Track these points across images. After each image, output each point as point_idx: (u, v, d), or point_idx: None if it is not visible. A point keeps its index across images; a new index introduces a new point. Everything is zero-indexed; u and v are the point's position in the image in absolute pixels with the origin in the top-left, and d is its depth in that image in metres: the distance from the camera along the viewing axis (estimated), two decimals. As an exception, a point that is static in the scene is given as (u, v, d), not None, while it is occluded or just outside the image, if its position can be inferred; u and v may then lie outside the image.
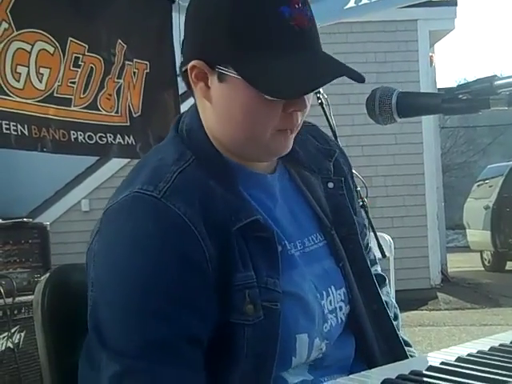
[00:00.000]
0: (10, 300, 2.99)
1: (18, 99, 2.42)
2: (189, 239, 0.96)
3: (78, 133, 2.62)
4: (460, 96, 1.03)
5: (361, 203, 3.08)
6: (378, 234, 3.13)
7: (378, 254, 3.09)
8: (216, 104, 1.04)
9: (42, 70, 2.48)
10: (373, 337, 1.20)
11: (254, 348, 1.00)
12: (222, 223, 0.99)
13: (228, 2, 1.00)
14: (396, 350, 1.21)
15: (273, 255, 1.03)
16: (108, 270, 1.00)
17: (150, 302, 0.95)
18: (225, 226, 0.99)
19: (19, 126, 2.41)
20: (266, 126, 1.03)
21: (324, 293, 1.13)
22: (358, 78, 1.02)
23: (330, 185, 1.22)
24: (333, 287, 1.15)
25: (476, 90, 1.01)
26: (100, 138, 2.71)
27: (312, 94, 1.05)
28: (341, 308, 1.15)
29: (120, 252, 0.98)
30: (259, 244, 1.02)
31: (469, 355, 0.99)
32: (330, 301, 1.14)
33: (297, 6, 0.98)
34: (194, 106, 1.12)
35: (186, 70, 1.06)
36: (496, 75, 1.00)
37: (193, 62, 1.03)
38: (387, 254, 3.35)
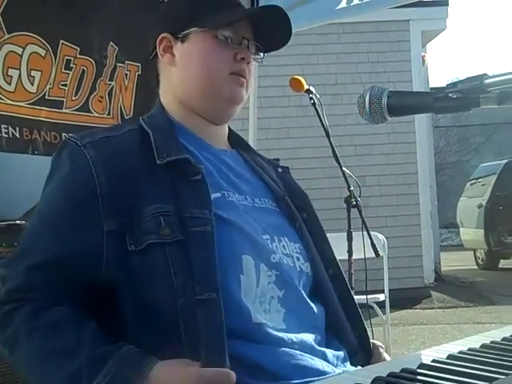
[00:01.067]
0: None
1: (10, 102, 2.41)
2: (84, 178, 1.13)
3: (70, 135, 2.62)
4: (450, 95, 1.03)
5: (354, 202, 3.09)
6: (371, 233, 3.14)
7: (372, 254, 3.10)
8: (180, 64, 1.28)
9: (33, 73, 2.48)
10: (337, 303, 1.26)
11: (184, 267, 1.07)
12: (139, 165, 1.15)
13: None
14: (352, 313, 1.29)
15: (203, 195, 1.14)
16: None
17: (43, 221, 1.15)
18: (146, 165, 1.15)
19: (10, 129, 2.40)
20: (220, 69, 1.26)
21: (275, 237, 1.21)
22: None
23: (280, 169, 1.41)
24: (286, 238, 1.23)
25: (466, 88, 1.01)
26: None
27: (253, 57, 1.31)
28: (298, 258, 1.23)
29: (48, 179, 1.21)
30: (190, 186, 1.14)
31: (460, 352, 0.99)
32: (284, 246, 1.21)
33: None
34: (157, 102, 1.33)
35: (152, 58, 1.32)
36: (486, 74, 1.00)
37: (161, 36, 1.29)
38: (381, 253, 3.36)
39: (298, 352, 1.11)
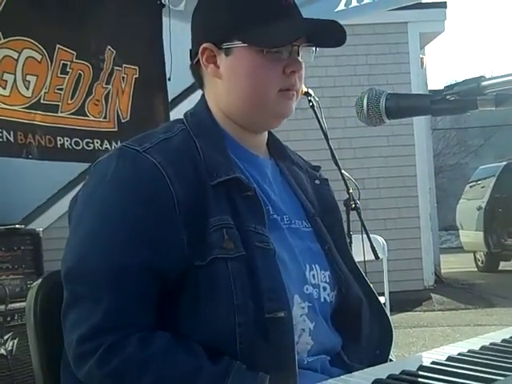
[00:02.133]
0: (2, 307, 2.98)
1: (4, 106, 2.41)
2: (158, 183, 1.07)
3: (65, 139, 2.61)
4: (448, 97, 1.03)
5: (353, 205, 3.09)
6: (370, 235, 3.13)
7: (372, 256, 3.10)
8: (225, 77, 1.21)
9: (28, 78, 2.48)
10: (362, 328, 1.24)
11: (244, 284, 1.06)
12: (200, 175, 1.11)
13: None
14: (383, 320, 1.28)
15: (259, 211, 1.13)
16: (85, 204, 1.13)
17: (113, 233, 1.06)
18: (204, 179, 1.11)
19: (5, 133, 2.40)
20: (269, 86, 1.18)
21: (307, 265, 1.19)
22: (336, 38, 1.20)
23: (317, 181, 1.35)
24: (317, 265, 1.21)
25: (464, 90, 1.01)
26: (87, 143, 2.70)
27: (304, 61, 1.21)
28: (325, 288, 1.20)
29: (99, 190, 1.11)
30: (245, 201, 1.13)
31: (460, 354, 0.99)
32: (313, 275, 1.19)
33: None
34: (201, 99, 1.27)
35: (195, 63, 1.24)
36: (483, 76, 1.00)
37: (203, 45, 1.21)
38: (380, 255, 3.36)
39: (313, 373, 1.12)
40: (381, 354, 1.25)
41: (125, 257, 1.04)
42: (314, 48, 1.23)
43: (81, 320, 1.04)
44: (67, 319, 1.06)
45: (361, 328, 1.23)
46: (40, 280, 1.26)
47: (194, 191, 1.09)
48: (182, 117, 1.26)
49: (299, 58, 1.19)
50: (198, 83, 1.29)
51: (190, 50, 1.27)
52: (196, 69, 1.26)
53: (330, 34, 1.20)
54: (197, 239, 1.07)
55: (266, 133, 1.30)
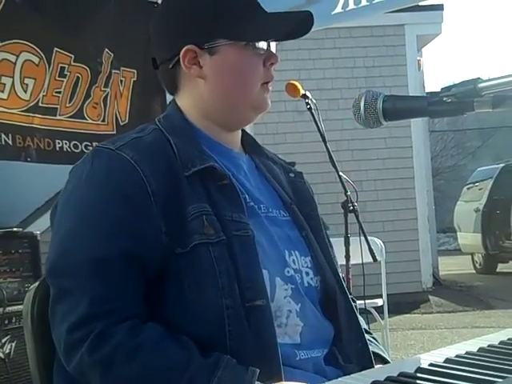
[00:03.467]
0: (0, 310, 2.97)
1: (2, 109, 2.41)
2: (132, 176, 1.10)
3: (64, 141, 2.61)
4: (445, 99, 1.04)
5: (351, 207, 3.09)
6: (368, 238, 3.13)
7: (370, 259, 3.10)
8: (210, 77, 1.22)
9: (26, 81, 2.48)
10: (343, 316, 1.25)
11: (228, 268, 1.07)
12: (174, 168, 1.13)
13: None
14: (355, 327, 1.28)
15: (235, 198, 1.16)
16: (64, 206, 1.15)
17: (92, 227, 1.09)
18: (177, 171, 1.13)
19: (3, 136, 2.40)
20: (255, 79, 1.22)
21: (286, 251, 1.20)
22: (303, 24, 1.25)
23: (292, 175, 1.38)
24: (297, 252, 1.22)
25: (460, 92, 1.01)
26: (86, 146, 2.70)
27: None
28: (307, 273, 1.22)
29: (76, 191, 1.14)
30: (221, 190, 1.15)
31: (457, 356, 0.99)
32: (293, 260, 1.21)
33: None
34: (172, 103, 1.29)
35: (171, 67, 1.24)
36: (479, 78, 1.00)
37: (185, 48, 1.21)
38: (378, 258, 3.35)
39: (305, 373, 1.11)
40: (363, 348, 1.25)
41: (104, 247, 1.07)
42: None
43: (68, 311, 1.05)
44: (55, 314, 1.08)
45: (338, 316, 1.24)
46: (37, 283, 1.26)
47: (168, 182, 1.11)
48: None
49: (274, 51, 1.25)
50: (170, 88, 1.29)
51: (153, 58, 1.29)
52: (169, 72, 1.26)
53: (300, 28, 1.25)
54: (176, 228, 1.09)
55: (240, 131, 1.33)
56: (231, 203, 1.14)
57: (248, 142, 1.35)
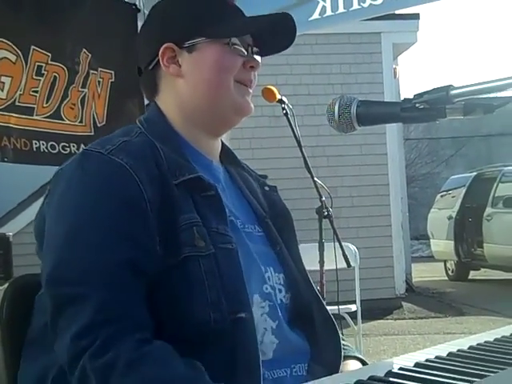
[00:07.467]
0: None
1: None
2: (129, 183, 1.07)
3: (41, 142, 2.59)
4: (418, 105, 1.05)
5: (326, 213, 3.10)
6: (343, 243, 3.15)
7: (344, 264, 3.11)
8: (188, 74, 1.23)
9: (3, 79, 2.45)
10: (317, 328, 1.25)
11: (216, 281, 1.07)
12: (164, 175, 1.11)
13: None
14: (333, 335, 1.28)
15: (220, 210, 1.15)
16: (57, 213, 1.11)
17: (92, 234, 1.05)
18: (167, 178, 1.11)
19: None
20: (229, 74, 1.22)
21: (262, 267, 1.20)
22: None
23: (266, 188, 1.38)
24: (271, 268, 1.22)
25: (432, 99, 1.03)
26: (63, 147, 2.68)
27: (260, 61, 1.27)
28: (280, 290, 1.21)
29: (69, 196, 1.09)
30: (206, 201, 1.14)
31: (427, 360, 1.00)
32: (269, 277, 1.20)
33: None
34: (152, 106, 1.27)
35: (151, 69, 1.25)
36: (451, 85, 1.01)
37: (164, 46, 1.23)
38: (352, 263, 3.38)
39: None
40: (338, 358, 1.25)
41: (106, 254, 1.03)
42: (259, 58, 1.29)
43: (72, 321, 1.00)
44: (57, 324, 1.03)
45: (315, 331, 1.24)
46: (6, 285, 1.24)
47: (161, 190, 1.09)
48: None
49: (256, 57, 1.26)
50: (149, 91, 1.28)
51: (138, 68, 1.29)
52: (150, 75, 1.27)
53: (283, 30, 1.27)
54: (168, 238, 1.07)
55: (220, 140, 1.32)
56: (216, 215, 1.14)
57: (224, 152, 1.35)
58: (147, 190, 1.07)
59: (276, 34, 1.27)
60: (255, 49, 1.27)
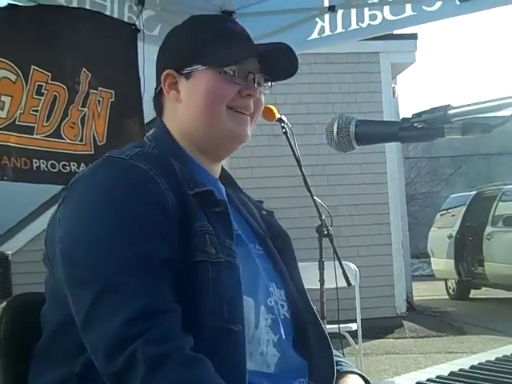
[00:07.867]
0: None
1: None
2: (156, 187, 1.10)
3: (41, 161, 2.60)
4: (416, 124, 1.06)
5: (326, 232, 3.10)
6: (343, 262, 3.14)
7: (344, 283, 3.10)
8: (185, 100, 1.26)
9: (3, 98, 2.47)
10: (314, 348, 1.25)
11: (217, 290, 1.08)
12: (181, 185, 1.14)
13: (190, 25, 1.32)
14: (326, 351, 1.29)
15: (228, 225, 1.17)
16: (78, 217, 1.10)
17: (131, 229, 1.06)
18: (184, 187, 1.14)
19: None
20: (220, 100, 1.23)
21: (267, 281, 1.22)
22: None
23: (264, 212, 1.40)
24: (274, 284, 1.23)
25: (431, 118, 1.03)
26: (63, 166, 2.69)
27: (262, 93, 1.31)
28: (283, 306, 1.23)
29: (96, 198, 1.10)
30: (216, 216, 1.16)
31: (428, 380, 1.00)
32: (271, 292, 1.22)
33: (234, 22, 1.36)
34: (159, 125, 1.31)
35: (158, 92, 1.30)
36: (449, 105, 1.02)
37: (165, 72, 1.27)
38: (353, 282, 3.36)
39: None
40: (331, 373, 1.26)
41: (148, 248, 1.05)
42: (269, 83, 1.32)
43: (122, 306, 0.99)
44: (99, 314, 1.01)
45: (310, 348, 1.25)
46: (5, 303, 1.24)
47: (180, 198, 1.12)
48: None
49: (254, 84, 1.27)
50: (157, 111, 1.33)
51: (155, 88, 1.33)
52: (158, 98, 1.32)
53: (283, 60, 1.29)
54: (184, 243, 1.09)
55: (220, 165, 1.35)
56: (224, 229, 1.16)
57: (224, 176, 1.38)
58: (170, 195, 1.10)
59: (273, 60, 1.27)
60: (258, 75, 1.28)
